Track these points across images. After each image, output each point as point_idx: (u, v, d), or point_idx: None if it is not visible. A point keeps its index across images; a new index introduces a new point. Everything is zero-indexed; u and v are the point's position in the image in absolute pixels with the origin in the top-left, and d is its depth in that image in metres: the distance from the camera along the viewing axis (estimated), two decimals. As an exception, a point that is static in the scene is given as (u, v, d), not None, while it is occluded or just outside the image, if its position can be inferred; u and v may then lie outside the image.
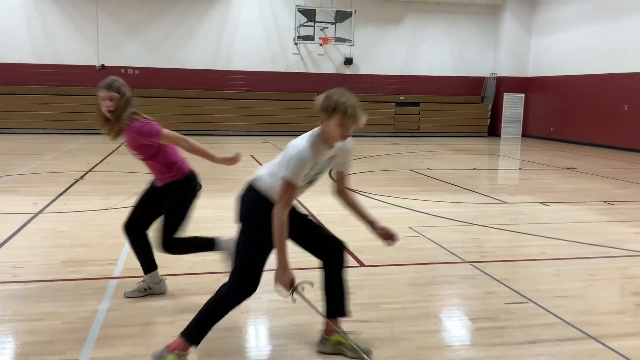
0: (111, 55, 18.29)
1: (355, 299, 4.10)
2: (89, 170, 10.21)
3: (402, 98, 20.60)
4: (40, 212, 6.71)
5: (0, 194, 7.91)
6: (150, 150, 3.79)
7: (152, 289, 4.06)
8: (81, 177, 9.39)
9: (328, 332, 3.29)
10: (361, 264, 4.96)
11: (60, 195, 7.69)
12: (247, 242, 3.04)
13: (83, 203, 7.16)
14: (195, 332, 3.00)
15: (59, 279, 4.35)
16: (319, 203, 7.63)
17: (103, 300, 3.96)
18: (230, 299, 3.03)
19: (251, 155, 12.84)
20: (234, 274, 3.05)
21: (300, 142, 2.98)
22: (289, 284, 2.97)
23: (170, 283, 4.31)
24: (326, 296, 3.29)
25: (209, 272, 4.62)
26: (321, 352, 3.25)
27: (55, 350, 3.21)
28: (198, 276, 4.56)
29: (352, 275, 4.60)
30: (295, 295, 3.01)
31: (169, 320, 3.65)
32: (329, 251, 3.29)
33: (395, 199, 8.01)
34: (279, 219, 2.91)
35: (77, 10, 18.14)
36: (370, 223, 3.39)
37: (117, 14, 18.42)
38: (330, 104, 2.95)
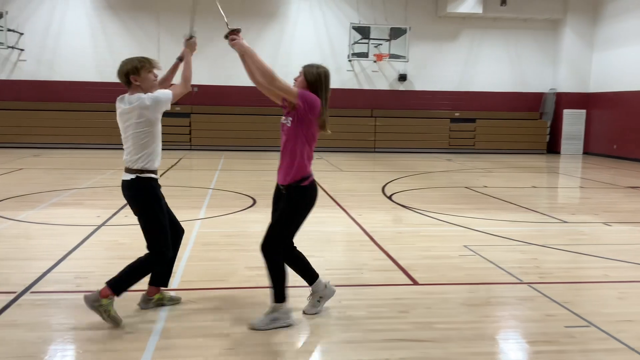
0: (171, 74, 18.89)
1: (408, 317, 4.07)
2: (149, 185, 10.55)
3: (457, 114, 20.35)
4: (103, 224, 6.99)
5: (66, 207, 8.28)
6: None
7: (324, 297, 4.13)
8: (142, 191, 9.70)
9: (150, 293, 4.13)
10: (415, 282, 4.91)
11: (121, 208, 7.98)
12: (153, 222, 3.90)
13: (143, 216, 7.41)
14: (121, 286, 3.81)
15: (120, 289, 4.50)
16: (372, 220, 7.61)
17: (162, 311, 4.08)
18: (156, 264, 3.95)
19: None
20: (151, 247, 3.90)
21: None
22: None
23: (226, 296, 4.39)
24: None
25: (264, 286, 4.68)
26: (143, 309, 4.07)
27: (116, 359, 3.32)
28: (253, 290, 4.62)
29: (404, 294, 4.59)
30: None
31: (225, 333, 3.72)
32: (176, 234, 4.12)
33: (449, 216, 7.90)
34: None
35: (141, 30, 18.92)
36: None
37: (178, 34, 19.06)
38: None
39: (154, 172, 3.94)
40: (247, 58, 3.81)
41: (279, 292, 3.84)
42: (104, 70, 18.95)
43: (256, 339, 3.63)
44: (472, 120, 20.38)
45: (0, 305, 4.12)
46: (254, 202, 8.69)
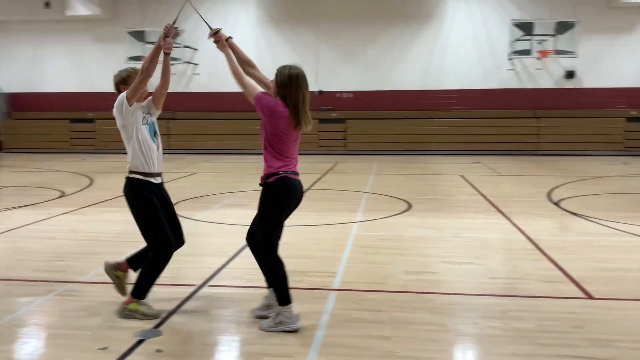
0: (328, 81, 19.52)
1: (582, 333, 3.76)
2: (308, 188, 10.97)
3: (634, 112, 18.42)
4: (268, 225, 7.38)
5: (236, 208, 8.91)
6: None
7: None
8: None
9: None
10: (589, 296, 4.52)
11: (284, 210, 8.39)
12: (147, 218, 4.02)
13: (303, 218, 7.70)
14: (141, 291, 4.04)
15: (285, 287, 4.73)
16: (537, 227, 7.17)
17: (325, 310, 4.21)
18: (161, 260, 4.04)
19: (461, 176, 12.57)
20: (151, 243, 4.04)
21: None
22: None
23: (385, 299, 4.40)
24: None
25: (423, 291, 4.61)
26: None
27: (285, 353, 3.49)
28: (412, 295, 4.58)
29: (578, 307, 4.24)
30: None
31: (385, 336, 3.73)
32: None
33: (628, 225, 7.16)
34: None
35: (300, 41, 19.80)
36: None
37: (335, 43, 19.66)
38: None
39: (145, 174, 4.07)
40: (226, 59, 3.96)
41: (281, 294, 3.82)
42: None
43: (415, 344, 3.60)
44: (653, 119, 18.33)
45: (182, 296, 4.55)
46: (410, 206, 8.63)
